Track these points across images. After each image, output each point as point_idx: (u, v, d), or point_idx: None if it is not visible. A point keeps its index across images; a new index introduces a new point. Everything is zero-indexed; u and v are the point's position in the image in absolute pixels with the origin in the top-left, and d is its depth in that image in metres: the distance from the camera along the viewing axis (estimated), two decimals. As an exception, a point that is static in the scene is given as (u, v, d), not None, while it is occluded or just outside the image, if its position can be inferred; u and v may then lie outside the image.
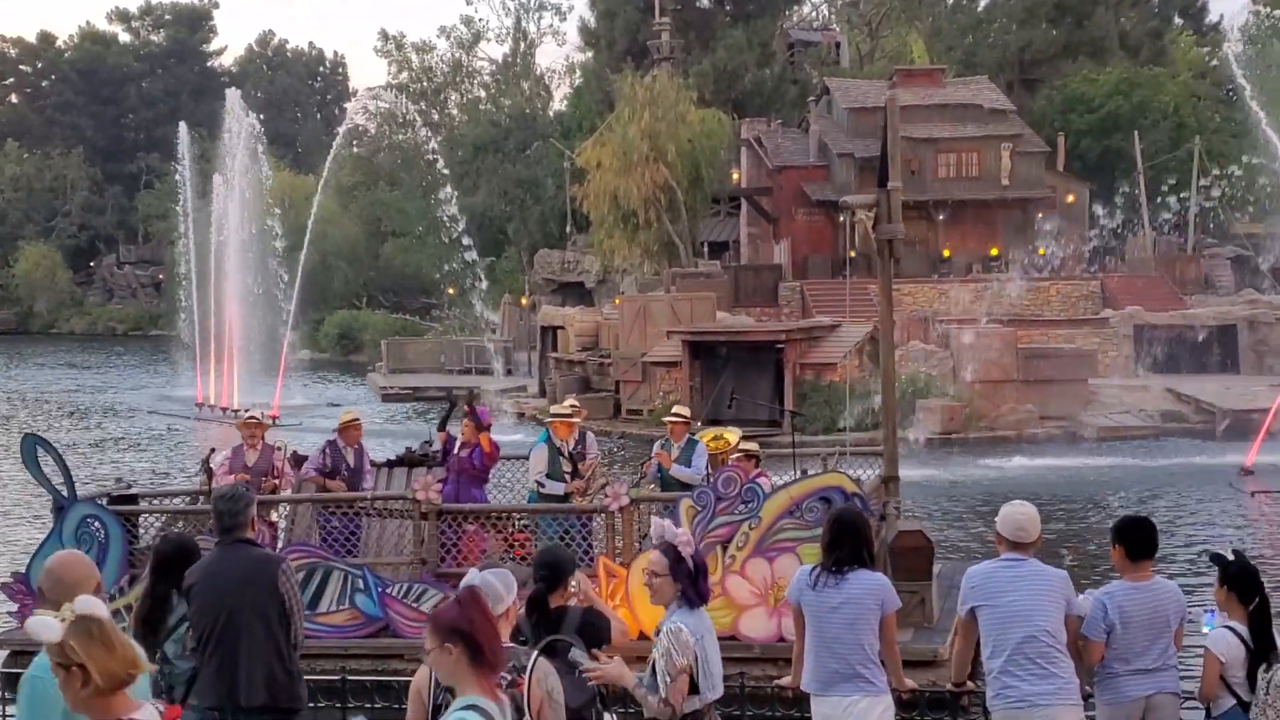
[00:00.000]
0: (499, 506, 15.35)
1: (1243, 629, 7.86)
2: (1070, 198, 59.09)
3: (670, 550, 7.24)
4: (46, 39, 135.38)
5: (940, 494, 29.41)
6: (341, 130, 77.11)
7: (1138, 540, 8.04)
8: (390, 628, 14.57)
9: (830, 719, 7.86)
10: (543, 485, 15.38)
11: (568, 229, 73.97)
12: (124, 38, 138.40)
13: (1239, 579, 7.95)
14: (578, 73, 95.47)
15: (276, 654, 7.99)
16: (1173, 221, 60.23)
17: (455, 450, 15.77)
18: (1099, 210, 57.26)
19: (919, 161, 57.32)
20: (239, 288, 55.03)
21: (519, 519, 15.44)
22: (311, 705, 8.73)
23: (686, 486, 15.03)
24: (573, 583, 7.63)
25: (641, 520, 14.67)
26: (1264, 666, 7.73)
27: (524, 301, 69.39)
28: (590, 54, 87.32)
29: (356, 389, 61.98)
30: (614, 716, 7.45)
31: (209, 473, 15.85)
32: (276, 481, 15.52)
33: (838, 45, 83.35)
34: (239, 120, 57.97)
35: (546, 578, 7.44)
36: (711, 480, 14.42)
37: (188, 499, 16.55)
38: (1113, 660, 7.88)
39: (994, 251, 56.99)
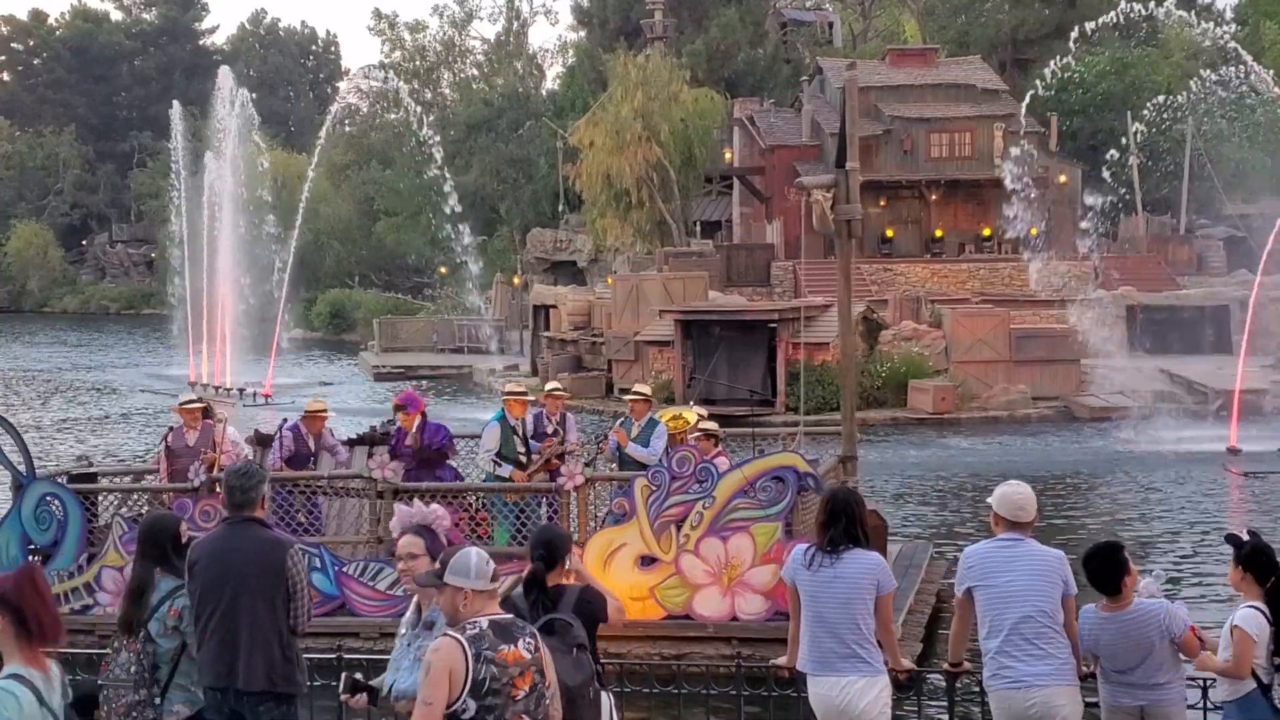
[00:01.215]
0: (455, 486, 15.32)
1: (1265, 609, 7.71)
2: (1062, 178, 59.05)
3: (424, 531, 7.23)
4: (38, 17, 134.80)
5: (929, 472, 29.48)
6: (334, 109, 77.06)
7: (1100, 573, 7.93)
8: (346, 606, 14.68)
9: (826, 698, 7.86)
10: (499, 465, 15.35)
11: (560, 208, 73.87)
12: (116, 15, 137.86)
13: (1254, 560, 7.84)
14: (570, 52, 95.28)
15: (278, 638, 7.98)
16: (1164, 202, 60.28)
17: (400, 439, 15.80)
18: (1090, 194, 57.26)
19: (911, 141, 57.27)
20: (231, 266, 54.96)
21: (479, 498, 15.51)
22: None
23: (644, 466, 15.01)
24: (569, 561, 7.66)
25: (598, 500, 14.71)
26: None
27: (516, 280, 69.33)
28: (583, 33, 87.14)
29: (349, 368, 61.96)
30: (610, 696, 7.48)
31: (168, 450, 15.99)
32: (215, 455, 15.51)
33: (830, 25, 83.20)
34: (231, 99, 57.83)
35: (544, 556, 7.45)
36: (666, 459, 14.43)
37: (149, 478, 16.62)
38: (1106, 668, 7.91)
39: (986, 231, 56.98)
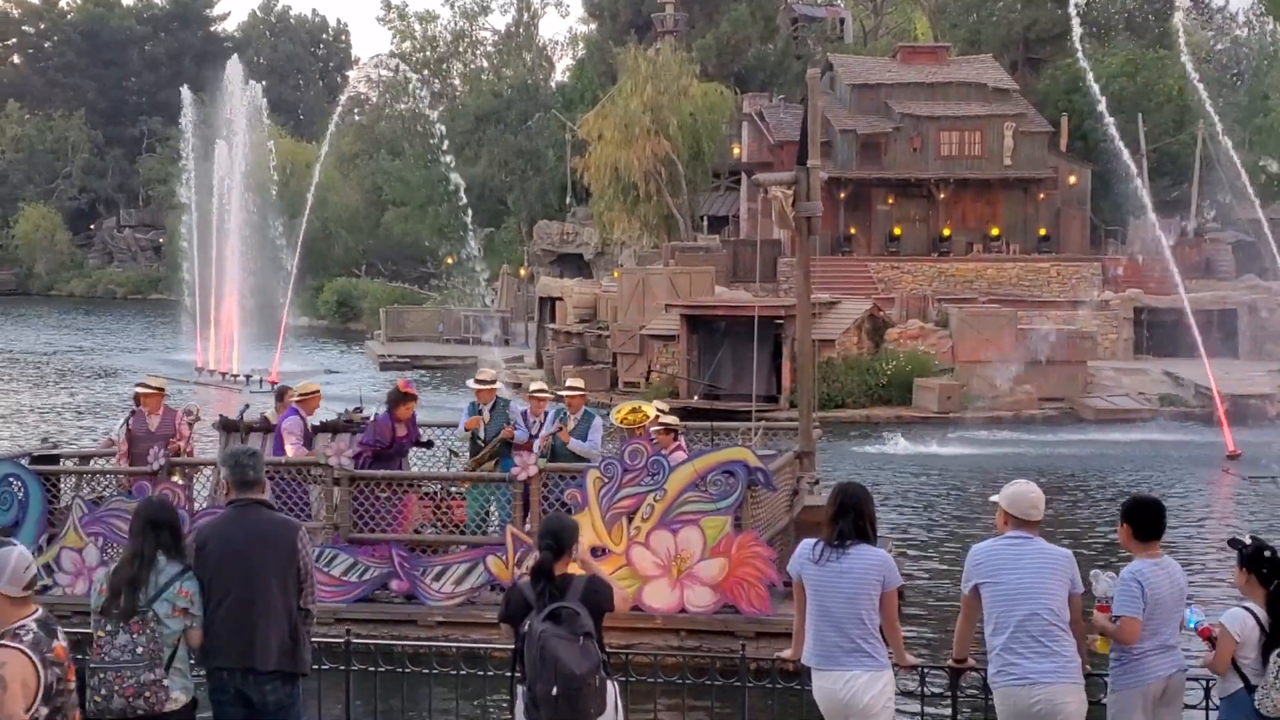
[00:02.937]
0: (412, 474, 15.47)
1: (1260, 611, 7.85)
2: (1072, 179, 59.01)
3: None
4: (50, 1, 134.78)
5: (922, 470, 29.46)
6: (343, 98, 76.97)
7: (1146, 520, 8.04)
8: None
9: (831, 692, 7.87)
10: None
11: (567, 200, 73.89)
12: (127, 0, 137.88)
13: (1256, 562, 7.94)
14: (580, 44, 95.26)
15: (289, 618, 8.05)
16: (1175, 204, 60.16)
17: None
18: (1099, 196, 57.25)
19: (921, 139, 57.22)
20: (239, 253, 55.01)
21: (442, 487, 15.72)
22: None
23: (581, 458, 15.16)
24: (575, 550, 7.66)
25: (551, 490, 14.80)
26: (1277, 651, 7.72)
27: (522, 272, 69.35)
28: (593, 26, 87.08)
29: (354, 356, 62.00)
30: (616, 685, 7.49)
31: (128, 432, 16.02)
32: (180, 444, 15.66)
33: (842, 21, 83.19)
34: (240, 87, 57.85)
35: (551, 546, 7.46)
36: (618, 452, 14.57)
37: (104, 461, 16.74)
38: (1141, 638, 7.86)
39: (995, 231, 56.95)
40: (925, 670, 8.79)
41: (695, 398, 38.37)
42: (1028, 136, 58.09)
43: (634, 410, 15.46)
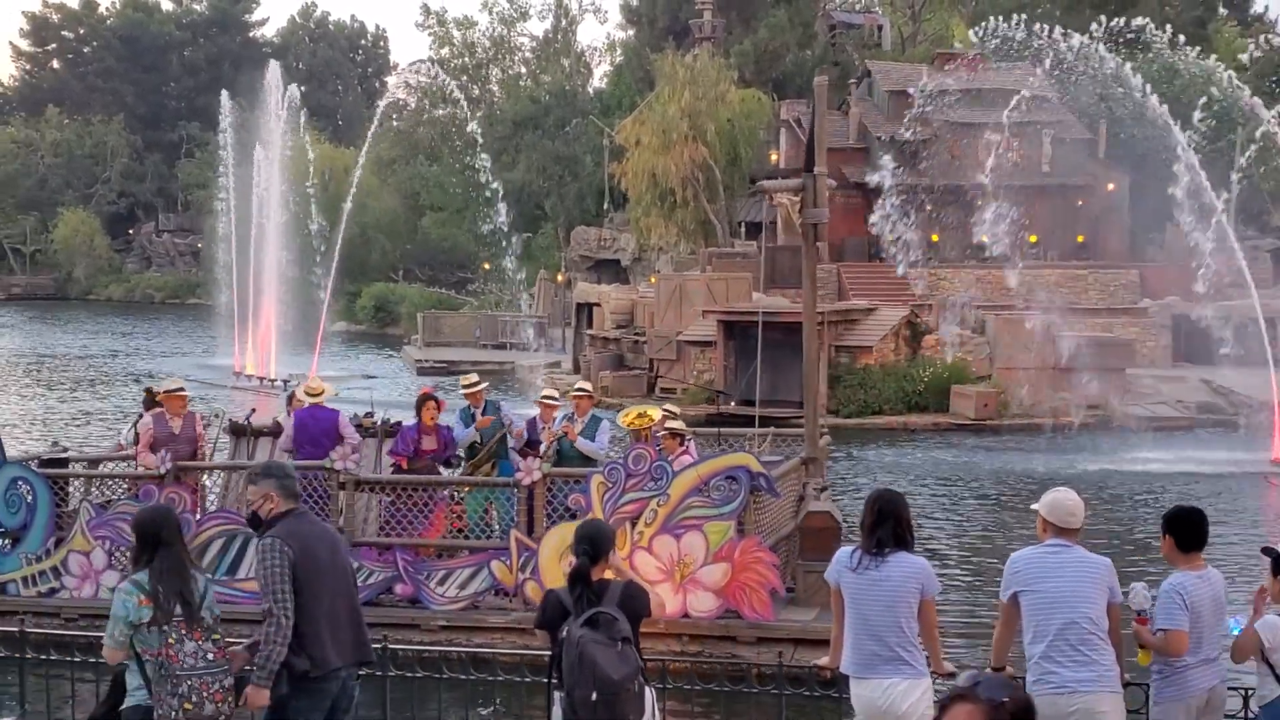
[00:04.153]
0: (416, 478, 15.46)
1: None
2: (1111, 186, 58.70)
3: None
4: (90, 5, 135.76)
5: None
6: (382, 104, 77.23)
7: (1189, 531, 8.03)
8: None
9: (869, 701, 7.87)
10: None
11: (605, 206, 73.97)
12: (167, 5, 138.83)
13: None
14: (618, 50, 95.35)
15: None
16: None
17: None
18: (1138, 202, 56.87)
19: (959, 146, 57.03)
20: (278, 258, 55.27)
21: (452, 491, 15.81)
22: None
23: (588, 460, 15.18)
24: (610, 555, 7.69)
25: (555, 494, 14.86)
26: None
27: (560, 278, 69.46)
28: (631, 32, 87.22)
29: (391, 361, 62.21)
30: (653, 690, 7.51)
31: (137, 436, 16.08)
32: (202, 445, 15.81)
33: (880, 28, 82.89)
34: (279, 92, 58.14)
35: (588, 551, 7.49)
36: (623, 456, 14.61)
37: (122, 464, 16.83)
38: (1192, 646, 7.85)
39: (1032, 239, 56.69)
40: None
41: (733, 403, 38.34)
42: (1066, 143, 57.82)
43: (640, 414, 15.50)
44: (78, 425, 37.11)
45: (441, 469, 16.04)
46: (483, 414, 15.81)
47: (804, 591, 14.66)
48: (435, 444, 15.76)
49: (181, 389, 16.22)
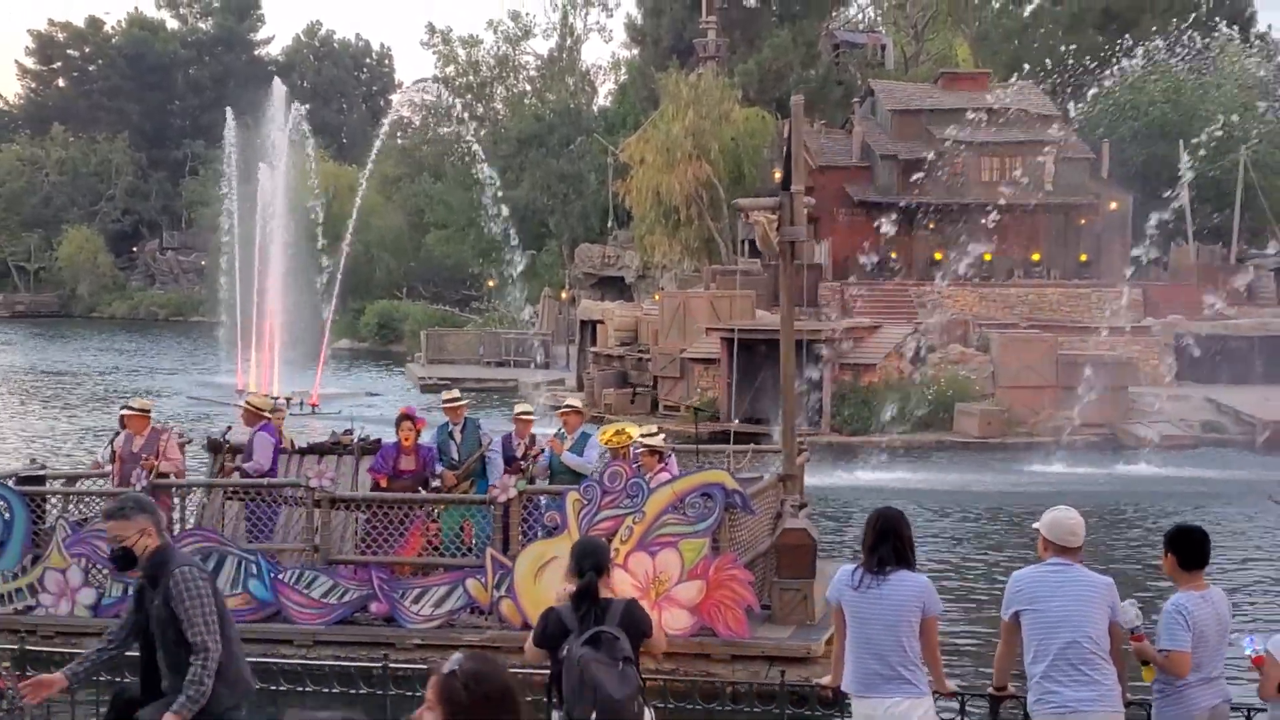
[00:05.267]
0: (390, 496, 15.42)
1: None
2: (1113, 205, 58.74)
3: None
4: (95, 24, 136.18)
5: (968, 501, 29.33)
6: (387, 121, 77.39)
7: (1191, 549, 8.03)
8: (281, 613, 14.96)
9: (871, 719, 7.87)
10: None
11: (609, 224, 74.03)
12: (172, 24, 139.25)
13: None
14: (623, 69, 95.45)
15: None
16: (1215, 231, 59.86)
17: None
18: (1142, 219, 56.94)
19: (962, 165, 57.10)
20: (281, 276, 55.32)
21: (429, 509, 15.78)
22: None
23: (577, 476, 15.21)
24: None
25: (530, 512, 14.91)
26: None
27: (564, 295, 69.49)
28: (636, 51, 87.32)
29: (395, 378, 62.22)
30: (653, 711, 7.50)
31: (114, 454, 16.16)
32: (155, 461, 15.64)
33: (883, 47, 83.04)
34: (284, 110, 58.26)
35: (594, 565, 7.48)
36: (598, 474, 14.64)
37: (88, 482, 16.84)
38: (1192, 666, 7.83)
39: (1035, 257, 56.73)
40: (965, 698, 8.75)
41: (736, 420, 38.34)
42: (1069, 163, 57.88)
43: (618, 432, 15.51)
44: (72, 442, 37.09)
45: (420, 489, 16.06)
46: (462, 431, 15.81)
47: (780, 609, 14.72)
48: (414, 463, 15.75)
49: (141, 409, 16.19)
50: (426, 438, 16.15)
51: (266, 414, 16.50)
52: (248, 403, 16.91)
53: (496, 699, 4.29)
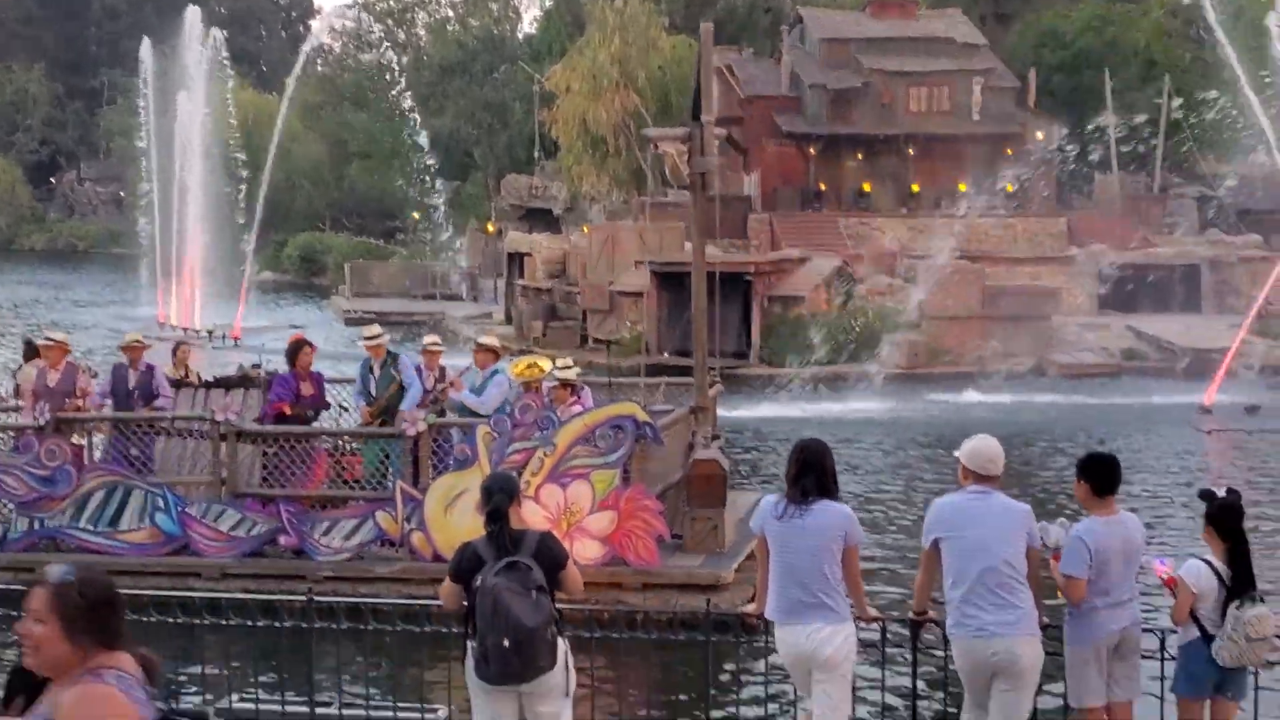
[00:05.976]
0: (303, 429, 15.36)
1: (1219, 564, 7.99)
2: (1040, 135, 58.99)
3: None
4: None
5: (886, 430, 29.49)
6: (306, 49, 76.22)
7: (1103, 476, 8.11)
8: (190, 546, 14.92)
9: (794, 646, 7.88)
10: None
11: (536, 154, 73.52)
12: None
13: (1218, 516, 8.10)
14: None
15: None
16: (1139, 159, 60.24)
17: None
18: (1065, 146, 57.18)
19: (891, 95, 57.09)
20: (201, 207, 54.56)
21: (345, 442, 15.85)
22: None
23: (473, 414, 15.09)
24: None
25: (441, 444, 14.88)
26: (1236, 603, 7.88)
27: (490, 228, 69.03)
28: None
29: (320, 311, 61.70)
30: (566, 640, 7.44)
31: (17, 387, 16.08)
32: (80, 401, 15.65)
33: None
34: (201, 37, 57.23)
35: (504, 488, 7.42)
36: (508, 406, 14.64)
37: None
38: (1092, 595, 7.93)
39: (962, 187, 56.93)
40: (886, 623, 8.77)
41: (665, 354, 38.30)
42: (996, 92, 58.03)
43: (531, 365, 15.48)
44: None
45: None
46: (382, 366, 15.67)
47: (691, 538, 14.83)
48: (312, 389, 15.69)
49: (59, 340, 16.02)
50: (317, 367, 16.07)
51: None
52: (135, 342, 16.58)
53: (108, 602, 4.41)
